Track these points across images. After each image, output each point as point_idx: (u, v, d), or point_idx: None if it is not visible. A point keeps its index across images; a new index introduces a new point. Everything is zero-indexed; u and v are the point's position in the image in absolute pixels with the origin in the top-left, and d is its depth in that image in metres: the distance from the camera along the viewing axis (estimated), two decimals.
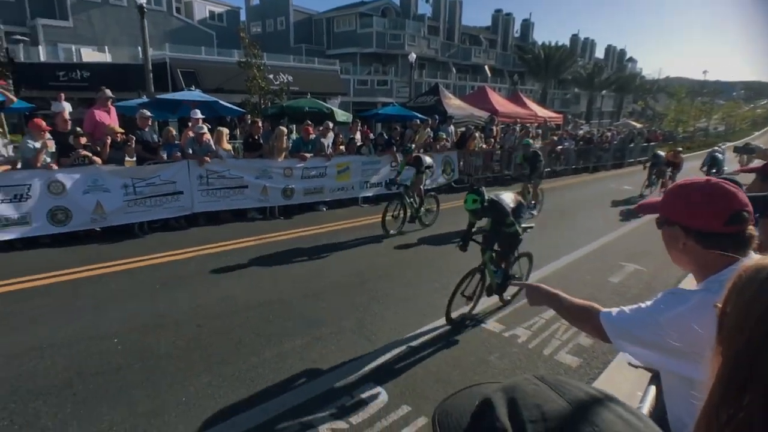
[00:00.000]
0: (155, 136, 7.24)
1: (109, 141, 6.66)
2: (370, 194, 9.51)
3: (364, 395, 3.09)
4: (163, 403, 2.96)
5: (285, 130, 8.47)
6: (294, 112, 11.37)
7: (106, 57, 21.00)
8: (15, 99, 8.09)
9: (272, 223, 7.82)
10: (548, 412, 0.44)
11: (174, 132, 7.57)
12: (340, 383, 3.21)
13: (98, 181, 6.29)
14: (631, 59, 60.28)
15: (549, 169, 15.34)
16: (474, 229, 4.34)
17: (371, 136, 10.98)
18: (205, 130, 7.40)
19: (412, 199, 7.38)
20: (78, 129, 6.63)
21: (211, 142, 7.40)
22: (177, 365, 3.39)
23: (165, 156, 7.12)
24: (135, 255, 5.72)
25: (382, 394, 3.11)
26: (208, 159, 7.07)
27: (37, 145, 6.03)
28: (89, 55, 20.59)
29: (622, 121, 35.18)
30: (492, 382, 0.75)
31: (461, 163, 11.98)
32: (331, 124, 9.38)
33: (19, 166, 6.06)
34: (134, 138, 6.85)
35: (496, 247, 4.27)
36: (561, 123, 21.87)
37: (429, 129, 11.56)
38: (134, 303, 4.40)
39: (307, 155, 8.26)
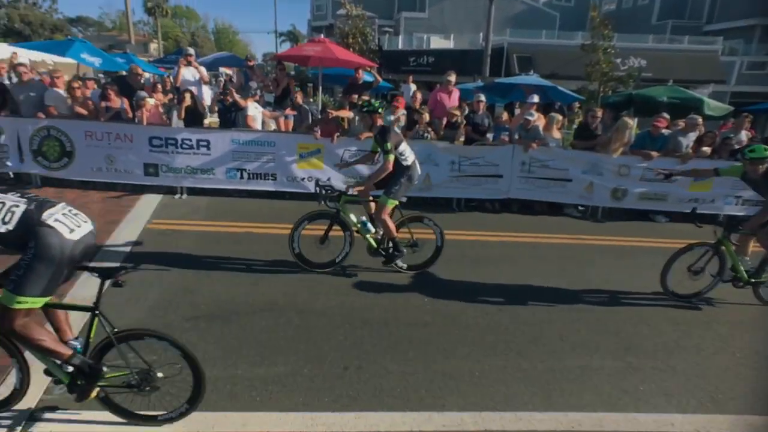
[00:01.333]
0: (486, 120, 8.11)
1: (445, 121, 7.95)
2: (742, 213, 7.62)
3: None
4: (457, 369, 3.42)
5: (630, 122, 7.84)
6: (645, 102, 10.36)
7: (449, 44, 25.03)
8: (381, 80, 10.78)
9: (591, 224, 7.60)
10: None
11: (506, 116, 8.28)
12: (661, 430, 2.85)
13: (431, 155, 7.64)
14: None
15: None
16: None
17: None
18: (535, 116, 7.74)
19: (366, 220, 4.94)
20: (422, 107, 8.21)
21: (540, 129, 7.68)
22: (475, 340, 3.83)
23: (491, 138, 7.93)
24: (449, 228, 6.62)
25: None
26: (535, 145, 7.40)
27: (392, 118, 7.85)
28: (436, 42, 25.06)
29: None
30: None
31: None
32: (699, 119, 7.97)
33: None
34: (466, 120, 7.94)
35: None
36: None
37: None
38: (443, 272, 5.18)
39: (654, 154, 7.38)
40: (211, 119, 9.17)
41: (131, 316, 3.82)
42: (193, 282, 4.51)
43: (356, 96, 8.58)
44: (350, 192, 5.11)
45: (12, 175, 7.42)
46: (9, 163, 7.17)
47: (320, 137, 7.41)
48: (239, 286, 4.49)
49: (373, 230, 4.96)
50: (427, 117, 7.90)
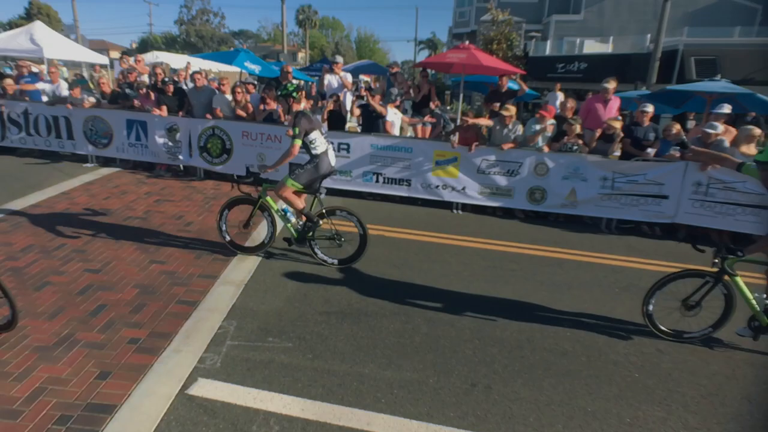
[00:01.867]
0: (652, 134, 7.36)
1: (598, 132, 7.41)
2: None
3: None
4: (603, 409, 3.14)
5: None
6: None
7: (606, 47, 23.28)
8: (526, 88, 10.47)
9: None
10: None
11: (678, 128, 7.42)
12: None
13: (579, 170, 7.18)
14: None
15: None
16: None
17: None
18: (720, 128, 6.79)
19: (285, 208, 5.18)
20: (574, 118, 7.75)
21: (726, 144, 6.72)
22: (627, 380, 3.47)
23: (652, 154, 7.16)
24: (595, 250, 6.22)
25: None
26: (717, 165, 6.50)
27: (537, 128, 7.56)
28: (590, 46, 23.48)
29: None
30: None
31: None
32: None
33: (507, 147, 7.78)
34: (625, 132, 7.30)
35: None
36: None
37: None
38: (590, 297, 4.82)
39: None
40: (350, 124, 9.81)
41: (271, 303, 4.26)
42: (327, 278, 4.86)
43: (498, 104, 8.48)
44: (263, 176, 5.25)
45: (182, 168, 8.81)
46: (181, 157, 8.52)
47: (458, 145, 7.46)
48: (370, 288, 4.70)
49: (293, 219, 5.20)
50: (578, 128, 7.46)
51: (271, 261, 5.20)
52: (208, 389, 3.07)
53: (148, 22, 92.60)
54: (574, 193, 7.26)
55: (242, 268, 4.92)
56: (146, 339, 3.54)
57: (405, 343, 3.78)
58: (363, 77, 22.05)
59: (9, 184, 7.32)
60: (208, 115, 8.33)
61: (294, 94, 5.17)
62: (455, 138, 7.59)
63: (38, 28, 13.91)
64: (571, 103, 8.21)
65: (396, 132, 8.28)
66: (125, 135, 8.71)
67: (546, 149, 7.36)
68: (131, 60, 11.50)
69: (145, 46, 50.98)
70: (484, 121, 8.02)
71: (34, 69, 10.79)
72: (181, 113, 8.54)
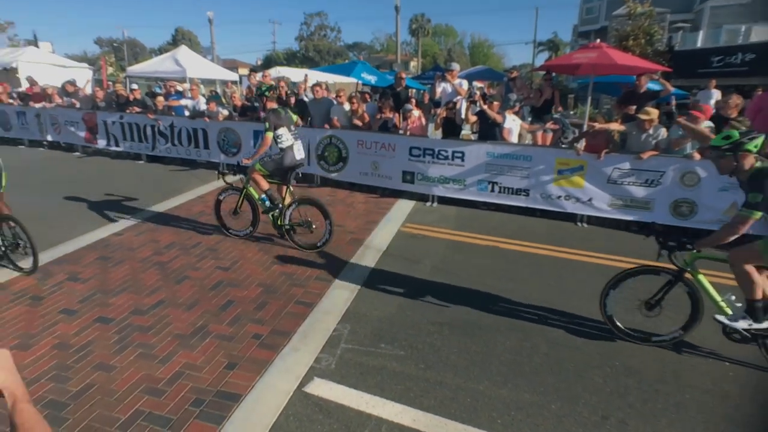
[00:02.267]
0: None
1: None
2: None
3: None
4: None
5: None
6: None
7: None
8: (671, 88, 9.49)
9: None
10: None
11: None
12: None
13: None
14: None
15: None
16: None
17: None
18: None
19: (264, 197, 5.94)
20: (739, 119, 6.86)
21: None
22: None
23: None
24: None
25: None
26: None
27: (681, 133, 6.83)
28: (760, 33, 20.43)
29: None
30: None
31: None
32: None
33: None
34: None
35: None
36: None
37: None
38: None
39: None
40: (464, 132, 9.76)
41: (383, 309, 4.38)
42: (439, 288, 4.85)
43: (633, 107, 7.82)
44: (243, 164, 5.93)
45: (300, 175, 9.46)
46: None
47: (584, 152, 7.04)
48: (484, 300, 4.60)
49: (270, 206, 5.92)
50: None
51: (383, 267, 5.34)
52: (323, 389, 3.23)
53: (272, 40, 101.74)
54: (736, 207, 6.42)
55: (356, 273, 5.13)
56: (268, 335, 3.85)
57: (522, 361, 3.63)
58: (476, 83, 21.84)
59: (155, 189, 8.45)
60: (326, 125, 8.86)
61: (266, 93, 6.09)
62: (580, 145, 7.17)
63: (182, 52, 16.01)
64: (737, 100, 7.18)
65: (514, 139, 8.04)
66: (251, 144, 9.61)
67: (697, 156, 6.62)
68: (258, 76, 12.69)
69: (268, 62, 55.91)
70: (615, 126, 7.45)
71: (179, 87, 12.43)
72: (302, 123, 9.20)
